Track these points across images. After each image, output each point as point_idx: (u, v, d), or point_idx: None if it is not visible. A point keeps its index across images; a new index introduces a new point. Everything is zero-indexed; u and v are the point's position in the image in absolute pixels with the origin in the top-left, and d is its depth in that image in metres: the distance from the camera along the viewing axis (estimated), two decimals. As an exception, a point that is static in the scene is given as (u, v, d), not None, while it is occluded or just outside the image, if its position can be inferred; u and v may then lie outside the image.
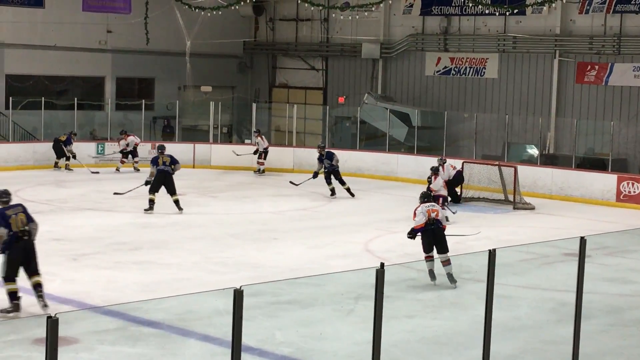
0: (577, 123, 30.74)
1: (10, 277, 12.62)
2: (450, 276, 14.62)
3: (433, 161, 31.42)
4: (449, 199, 25.14)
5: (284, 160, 33.69)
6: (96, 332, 11.78)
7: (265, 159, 32.21)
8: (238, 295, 5.92)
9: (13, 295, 12.60)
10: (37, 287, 12.69)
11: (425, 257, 15.13)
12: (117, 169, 31.60)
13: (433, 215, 15.25)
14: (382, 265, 6.70)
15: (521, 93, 34.09)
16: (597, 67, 32.21)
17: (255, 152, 32.29)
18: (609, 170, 28.93)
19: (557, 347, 11.49)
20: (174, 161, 22.62)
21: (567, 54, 32.87)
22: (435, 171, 24.26)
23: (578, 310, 8.27)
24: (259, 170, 32.18)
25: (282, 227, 21.43)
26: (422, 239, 15.25)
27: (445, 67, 36.07)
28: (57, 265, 15.80)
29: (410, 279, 15.36)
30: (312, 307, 13.75)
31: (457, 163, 27.82)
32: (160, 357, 11.22)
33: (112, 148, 32.65)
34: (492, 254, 7.44)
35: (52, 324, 5.58)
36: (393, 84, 37.72)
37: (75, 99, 34.22)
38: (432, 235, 15.16)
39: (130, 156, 32.01)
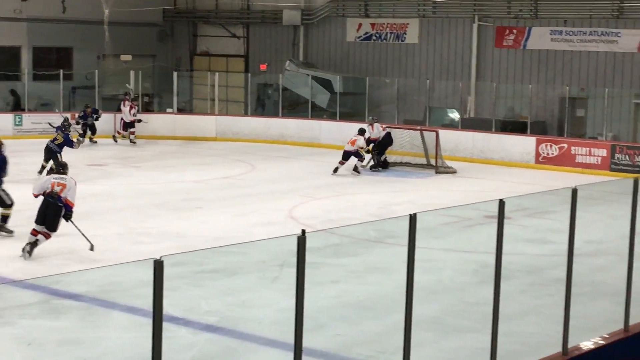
0: (497, 87, 31.09)
1: None
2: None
3: (356, 127, 31.56)
4: (365, 157, 25.96)
5: (206, 128, 33.45)
6: (17, 307, 11.58)
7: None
8: (158, 266, 5.84)
9: None
10: None
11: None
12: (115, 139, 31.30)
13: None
14: (304, 232, 6.67)
15: (441, 58, 34.29)
16: (515, 31, 32.52)
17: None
18: (528, 133, 29.35)
19: (479, 308, 11.63)
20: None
21: (486, 18, 33.13)
22: (361, 132, 24.96)
23: (498, 271, 8.37)
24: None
25: (206, 196, 21.31)
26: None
27: (366, 32, 36.07)
28: (-24, 240, 15.48)
29: (335, 245, 15.39)
30: (237, 275, 13.71)
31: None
32: (83, 329, 11.08)
33: (30, 119, 32.04)
34: (412, 218, 7.47)
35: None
36: (315, 50, 37.63)
37: (-10, 69, 33.55)
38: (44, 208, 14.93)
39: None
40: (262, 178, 24.71)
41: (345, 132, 31.55)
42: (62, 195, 14.84)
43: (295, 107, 35.16)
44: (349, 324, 11.62)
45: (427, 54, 34.65)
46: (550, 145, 28.24)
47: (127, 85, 34.51)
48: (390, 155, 27.38)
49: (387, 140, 26.94)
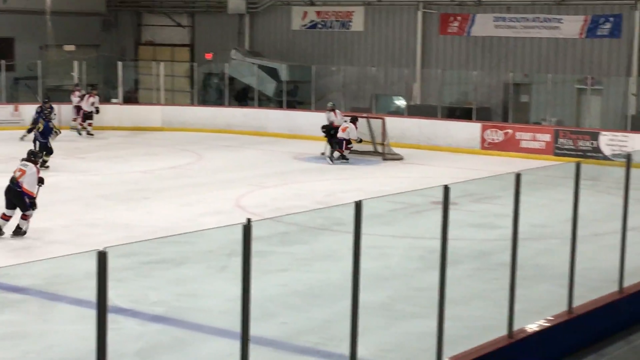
0: (442, 74, 31.26)
1: None
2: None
3: (303, 115, 31.63)
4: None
5: (152, 118, 33.20)
6: (-38, 301, 11.45)
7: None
8: (101, 257, 5.80)
9: None
10: None
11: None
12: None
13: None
14: (249, 221, 6.66)
15: (387, 45, 34.36)
16: (459, 18, 32.70)
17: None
18: (474, 119, 29.57)
19: (426, 294, 11.71)
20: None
21: (431, 5, 33.24)
22: (353, 120, 26.16)
23: (443, 257, 8.43)
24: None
25: (154, 187, 21.18)
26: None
27: (312, 21, 36.03)
28: None
29: (283, 233, 15.40)
30: (185, 265, 13.67)
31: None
32: (29, 323, 10.97)
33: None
34: (358, 205, 7.49)
35: None
36: (260, 39, 37.50)
37: None
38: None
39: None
40: (209, 168, 24.62)
41: (292, 120, 31.59)
42: (20, 180, 15.34)
43: (242, 97, 35.08)
44: (297, 312, 11.64)
45: (373, 42, 34.71)
46: (495, 131, 28.50)
47: (72, 74, 34.11)
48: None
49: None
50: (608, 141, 26.76)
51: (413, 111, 31.53)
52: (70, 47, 37.58)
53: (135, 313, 11.11)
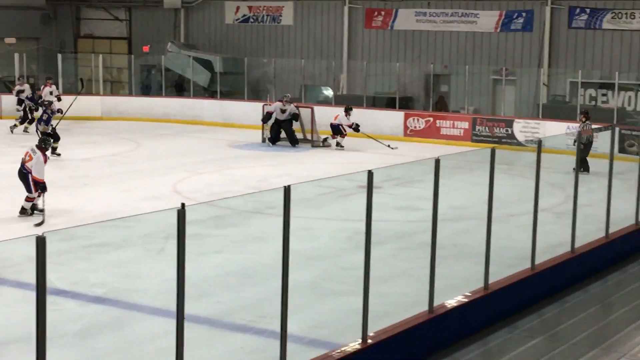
0: (367, 65, 31.35)
1: None
2: None
3: (236, 105, 31.51)
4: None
5: (92, 108, 32.69)
6: None
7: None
8: (40, 242, 5.70)
9: None
10: None
11: None
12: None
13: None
14: (183, 205, 6.62)
15: (315, 38, 34.36)
16: (383, 12, 32.82)
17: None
18: (397, 108, 29.73)
19: (353, 272, 11.76)
20: None
21: (356, 1, 33.29)
22: (347, 110, 26.55)
23: (368, 237, 8.46)
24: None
25: (93, 173, 20.89)
26: None
27: (244, 15, 35.83)
28: None
29: (217, 217, 15.33)
30: (124, 248, 13.52)
31: (258, 106, 27.96)
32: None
33: None
34: (287, 190, 7.48)
35: None
36: (195, 32, 37.21)
37: None
38: None
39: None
40: (147, 155, 24.37)
41: (226, 109, 31.43)
42: (27, 165, 15.90)
43: (180, 87, 34.85)
44: (231, 291, 11.61)
45: (302, 35, 34.68)
46: (417, 119, 28.68)
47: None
48: (267, 132, 27.35)
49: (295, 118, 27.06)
50: (521, 128, 27.12)
51: (340, 101, 31.56)
52: (10, 40, 36.81)
53: (75, 295, 10.97)
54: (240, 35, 36.04)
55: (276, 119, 26.58)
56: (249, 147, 26.25)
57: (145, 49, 36.98)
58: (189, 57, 33.79)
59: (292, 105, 26.75)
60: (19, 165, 16.13)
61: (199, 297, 10.55)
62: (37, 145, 16.36)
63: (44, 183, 15.75)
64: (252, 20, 35.70)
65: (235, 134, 28.76)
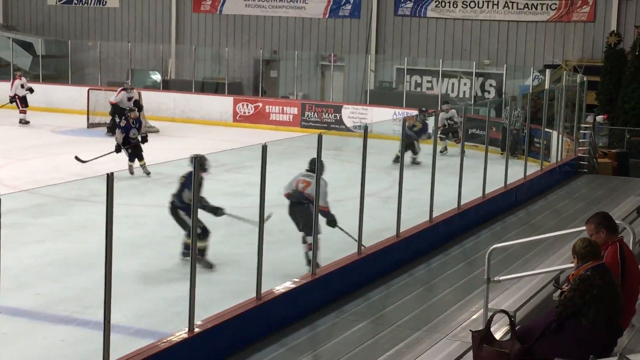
0: (196, 50, 31.08)
1: None
2: None
3: (60, 89, 30.61)
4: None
5: None
6: None
7: None
8: None
9: None
10: None
11: None
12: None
13: None
14: (-2, 194, 6.34)
15: (142, 22, 33.79)
16: (212, -3, 32.64)
17: None
18: (226, 93, 29.63)
19: (180, 260, 11.66)
20: None
21: (184, -16, 33.00)
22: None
23: (194, 224, 8.35)
24: None
25: None
26: None
27: (68, -4, 34.88)
28: None
29: (39, 205, 14.82)
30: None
31: (83, 90, 27.27)
32: None
33: None
34: (110, 178, 7.27)
35: None
36: (15, 13, 35.86)
37: None
38: None
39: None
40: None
41: (49, 95, 30.42)
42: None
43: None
44: (53, 282, 11.25)
45: (128, 18, 34.03)
46: (247, 105, 28.68)
47: None
48: (93, 117, 26.72)
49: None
50: (350, 114, 27.57)
51: (168, 85, 31.21)
52: None
53: None
54: (64, 17, 35.02)
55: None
56: (74, 132, 25.54)
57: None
58: (9, 39, 32.56)
59: (134, 90, 25.97)
60: None
61: (17, 289, 10.17)
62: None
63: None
64: (75, 2, 34.72)
65: (59, 119, 27.93)
